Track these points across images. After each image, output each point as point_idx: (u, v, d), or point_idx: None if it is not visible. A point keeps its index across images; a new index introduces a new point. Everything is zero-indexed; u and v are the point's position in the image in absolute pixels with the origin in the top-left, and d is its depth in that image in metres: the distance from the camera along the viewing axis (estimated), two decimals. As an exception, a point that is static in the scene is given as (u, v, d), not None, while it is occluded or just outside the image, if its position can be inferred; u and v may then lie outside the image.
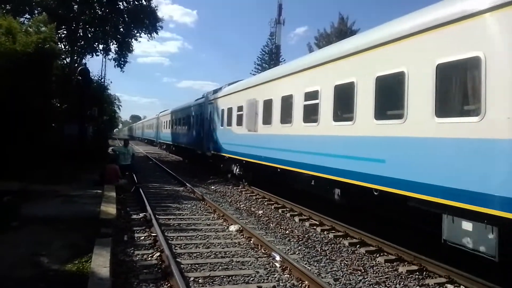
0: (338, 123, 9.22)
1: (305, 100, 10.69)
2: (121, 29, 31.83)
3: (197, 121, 25.45)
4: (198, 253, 7.57)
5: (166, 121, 41.43)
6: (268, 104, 13.28)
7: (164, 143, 44.35)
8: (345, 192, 9.48)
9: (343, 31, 42.97)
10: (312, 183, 10.68)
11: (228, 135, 17.84)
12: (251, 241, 8.52)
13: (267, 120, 13.33)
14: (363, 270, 7.06)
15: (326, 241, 9.02)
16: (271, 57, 62.65)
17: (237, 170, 17.27)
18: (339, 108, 9.31)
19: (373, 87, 7.92)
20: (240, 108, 16.30)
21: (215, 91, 21.74)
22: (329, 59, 9.75)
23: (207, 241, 8.49)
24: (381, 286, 6.40)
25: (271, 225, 10.41)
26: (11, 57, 14.11)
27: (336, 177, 9.10)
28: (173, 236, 8.72)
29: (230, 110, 17.82)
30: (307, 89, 10.66)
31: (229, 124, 17.72)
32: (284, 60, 57.80)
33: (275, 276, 6.52)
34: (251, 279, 6.35)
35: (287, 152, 11.62)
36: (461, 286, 6.47)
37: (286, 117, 11.86)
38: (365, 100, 8.18)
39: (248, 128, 14.97)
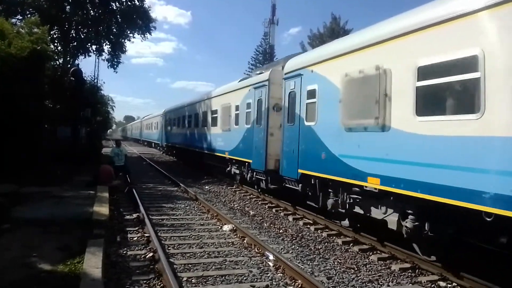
0: None
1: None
2: (114, 30, 31.70)
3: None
4: (191, 253, 7.55)
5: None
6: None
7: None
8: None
9: (336, 31, 43.03)
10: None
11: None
12: (245, 241, 8.52)
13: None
14: (356, 268, 7.09)
15: (319, 240, 9.04)
16: (265, 57, 62.54)
17: None
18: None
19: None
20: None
21: None
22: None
23: (201, 241, 8.47)
24: (374, 284, 6.42)
25: (265, 224, 10.41)
26: (7, 61, 13.98)
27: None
28: (167, 236, 8.69)
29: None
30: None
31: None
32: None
33: (268, 275, 6.52)
34: (244, 278, 6.35)
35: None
36: (453, 283, 6.51)
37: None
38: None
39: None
